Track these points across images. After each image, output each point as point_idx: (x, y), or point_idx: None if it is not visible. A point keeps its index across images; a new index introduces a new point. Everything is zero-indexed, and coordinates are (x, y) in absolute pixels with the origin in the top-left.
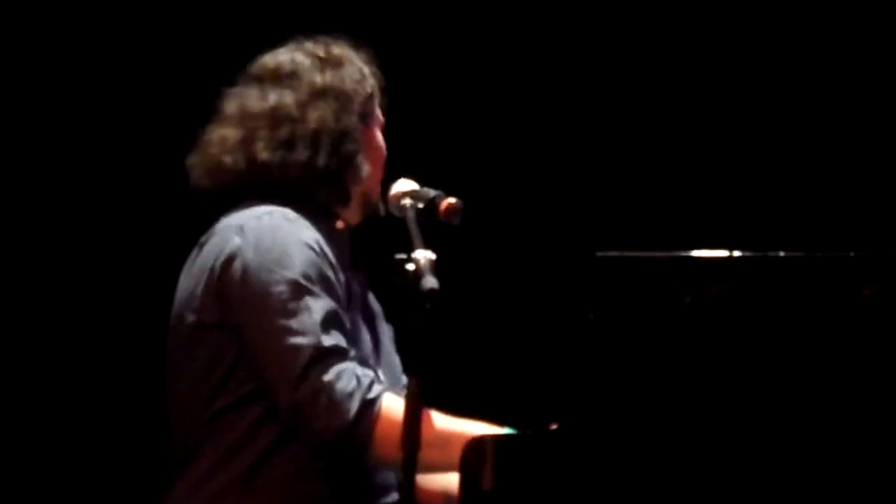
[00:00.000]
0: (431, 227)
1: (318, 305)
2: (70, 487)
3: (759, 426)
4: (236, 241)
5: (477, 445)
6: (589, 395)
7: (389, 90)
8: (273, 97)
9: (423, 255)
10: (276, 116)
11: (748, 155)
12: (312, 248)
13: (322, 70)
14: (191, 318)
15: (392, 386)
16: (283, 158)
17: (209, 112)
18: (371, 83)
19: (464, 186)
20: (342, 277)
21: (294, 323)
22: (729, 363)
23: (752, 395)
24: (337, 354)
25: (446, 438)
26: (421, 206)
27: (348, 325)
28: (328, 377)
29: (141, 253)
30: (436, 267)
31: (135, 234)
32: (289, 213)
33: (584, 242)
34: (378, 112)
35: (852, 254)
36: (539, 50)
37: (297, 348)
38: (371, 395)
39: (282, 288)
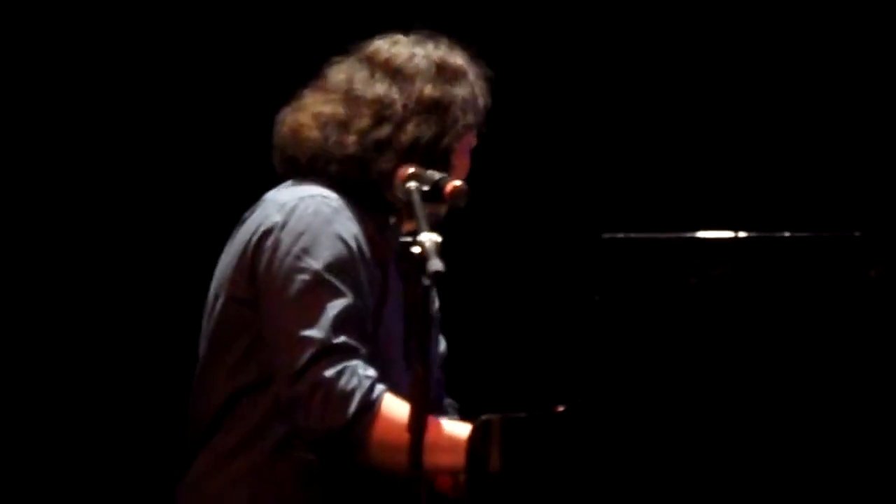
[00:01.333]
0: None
1: (337, 301)
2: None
3: (764, 408)
4: (275, 218)
5: (484, 427)
6: (595, 377)
7: None
8: (380, 88)
9: (429, 238)
10: (377, 112)
11: (753, 135)
12: (346, 242)
13: (435, 80)
14: (224, 292)
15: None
16: (371, 159)
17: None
18: (479, 104)
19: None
20: (378, 274)
21: (307, 315)
22: (735, 344)
23: (758, 377)
24: (343, 352)
25: (453, 443)
26: (426, 188)
27: (369, 325)
28: (329, 373)
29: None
30: (441, 249)
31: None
32: (334, 200)
33: (590, 224)
34: (473, 136)
35: (858, 234)
36: (541, 34)
37: (303, 340)
38: (372, 396)
39: (304, 277)
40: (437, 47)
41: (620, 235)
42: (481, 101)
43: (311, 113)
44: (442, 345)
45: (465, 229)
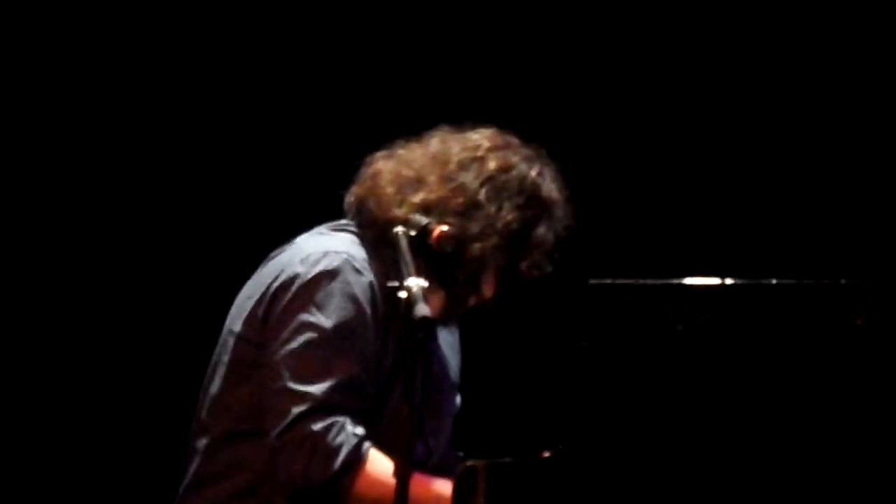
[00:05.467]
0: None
1: (339, 363)
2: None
3: (751, 454)
4: (297, 268)
5: (469, 472)
6: (581, 423)
7: (404, 117)
8: (473, 182)
9: (416, 283)
10: (463, 205)
11: (739, 183)
12: (360, 305)
13: (523, 209)
14: (238, 327)
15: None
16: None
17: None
18: (548, 247)
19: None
20: (394, 334)
21: (306, 370)
22: (721, 391)
23: (745, 422)
24: (335, 409)
25: (437, 498)
26: (413, 233)
27: (370, 389)
28: (317, 427)
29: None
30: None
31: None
32: (359, 261)
33: (576, 270)
34: (535, 266)
35: (844, 282)
36: (535, 75)
37: (299, 394)
38: (359, 453)
39: (311, 333)
40: (540, 174)
41: (607, 281)
42: (550, 245)
43: (397, 167)
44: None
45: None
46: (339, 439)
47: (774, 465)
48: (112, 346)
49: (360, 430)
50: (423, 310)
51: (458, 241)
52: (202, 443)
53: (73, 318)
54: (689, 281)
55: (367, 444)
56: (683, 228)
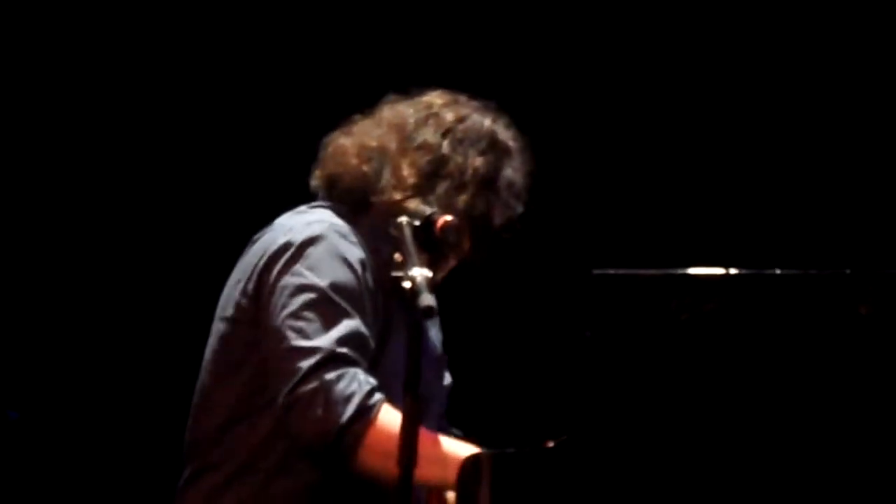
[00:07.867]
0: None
1: (341, 319)
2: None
3: (756, 443)
4: (281, 241)
5: (474, 462)
6: (586, 413)
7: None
8: (433, 138)
9: (420, 273)
10: (430, 163)
11: (744, 173)
12: (351, 266)
13: (486, 153)
14: (230, 312)
15: (428, 416)
16: (403, 201)
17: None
18: (519, 190)
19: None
20: (380, 301)
21: (310, 328)
22: (726, 381)
23: (750, 412)
24: (345, 360)
25: (444, 457)
26: (417, 223)
27: (372, 346)
28: (329, 376)
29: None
30: (432, 285)
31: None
32: (342, 227)
33: (580, 260)
34: (509, 210)
35: (848, 271)
36: (538, 65)
37: (307, 350)
38: (370, 401)
39: (308, 294)
40: (494, 121)
41: (611, 272)
42: (519, 188)
43: (358, 141)
44: (447, 379)
45: (455, 266)
46: (352, 387)
47: (779, 454)
48: (101, 342)
49: (371, 380)
50: (427, 300)
51: (461, 230)
52: (200, 433)
53: (59, 317)
54: (693, 271)
55: (379, 395)
56: (687, 218)
